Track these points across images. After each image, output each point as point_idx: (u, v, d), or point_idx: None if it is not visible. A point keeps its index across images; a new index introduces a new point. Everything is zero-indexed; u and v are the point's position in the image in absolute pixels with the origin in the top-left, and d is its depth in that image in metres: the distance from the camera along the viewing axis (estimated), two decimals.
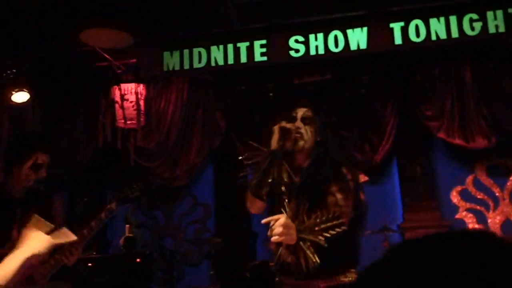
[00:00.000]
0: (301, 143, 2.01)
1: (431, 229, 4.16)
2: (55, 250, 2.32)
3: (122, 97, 4.28)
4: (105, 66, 4.30)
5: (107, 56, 4.18)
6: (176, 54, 4.15)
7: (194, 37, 4.11)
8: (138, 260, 3.80)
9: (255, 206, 2.11)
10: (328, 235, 1.80)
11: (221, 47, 4.08)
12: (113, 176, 4.81)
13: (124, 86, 4.28)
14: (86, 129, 4.58)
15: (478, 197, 4.30)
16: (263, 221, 1.91)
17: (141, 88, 4.32)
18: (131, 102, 4.30)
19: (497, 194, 4.28)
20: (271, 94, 4.43)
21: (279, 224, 1.81)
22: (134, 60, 4.28)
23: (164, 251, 4.38)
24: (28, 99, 4.20)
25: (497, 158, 4.29)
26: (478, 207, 4.29)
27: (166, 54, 4.17)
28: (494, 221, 4.25)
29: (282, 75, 4.37)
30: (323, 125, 2.09)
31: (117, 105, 4.29)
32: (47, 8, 3.62)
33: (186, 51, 4.12)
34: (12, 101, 4.14)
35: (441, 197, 4.34)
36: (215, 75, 4.43)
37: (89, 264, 3.83)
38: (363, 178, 4.44)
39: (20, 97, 4.15)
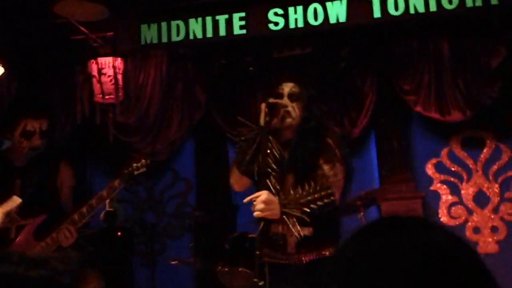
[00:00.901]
0: (288, 120, 2.01)
1: (406, 200, 4.29)
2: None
3: (100, 71, 4.21)
4: (81, 39, 4.22)
5: (83, 29, 4.09)
6: (154, 27, 4.08)
7: (172, 9, 4.04)
8: (119, 234, 3.84)
9: (241, 183, 2.11)
10: (315, 206, 1.82)
11: (199, 19, 4.03)
12: (93, 152, 4.79)
13: (101, 60, 4.21)
14: (64, 104, 4.51)
15: (452, 169, 4.42)
16: (245, 200, 1.93)
17: (118, 62, 4.26)
18: (108, 76, 4.24)
19: (470, 166, 4.40)
20: (250, 68, 4.41)
21: (260, 200, 1.83)
22: (111, 33, 4.20)
23: (145, 225, 4.43)
24: (3, 74, 4.11)
25: (471, 131, 4.40)
26: (452, 179, 4.41)
27: (144, 27, 4.10)
28: (467, 192, 4.38)
29: (261, 49, 4.35)
30: (309, 99, 2.08)
31: (94, 80, 4.23)
32: None
33: (163, 24, 4.06)
34: None
35: (417, 169, 4.44)
36: (193, 48, 4.39)
37: None
38: None
39: None
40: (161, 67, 4.56)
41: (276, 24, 3.95)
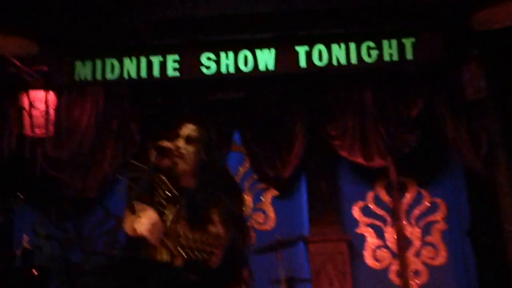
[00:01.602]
0: (181, 164, 1.98)
1: (333, 242, 4.39)
2: None
3: (31, 104, 4.19)
4: (13, 72, 4.21)
5: (16, 63, 4.10)
6: (88, 64, 4.14)
7: (107, 48, 4.13)
8: (34, 272, 3.71)
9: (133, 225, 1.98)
10: (193, 257, 1.79)
11: (134, 59, 4.13)
12: (21, 186, 4.67)
13: (33, 93, 4.20)
14: None
15: (377, 213, 4.58)
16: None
17: (51, 96, 4.26)
18: (40, 110, 4.22)
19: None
20: (185, 109, 4.50)
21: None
22: (45, 68, 4.22)
23: (69, 263, 4.29)
24: None
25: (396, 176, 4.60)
26: (377, 222, 4.57)
27: (78, 63, 4.15)
28: (391, 236, 4.53)
29: (196, 91, 4.47)
30: (208, 143, 2.05)
31: (24, 113, 4.20)
32: None
33: (98, 62, 4.13)
34: None
35: (344, 212, 4.58)
36: (129, 87, 4.45)
37: None
38: (273, 192, 4.63)
39: None
40: (97, 103, 4.58)
41: (208, 68, 4.10)
